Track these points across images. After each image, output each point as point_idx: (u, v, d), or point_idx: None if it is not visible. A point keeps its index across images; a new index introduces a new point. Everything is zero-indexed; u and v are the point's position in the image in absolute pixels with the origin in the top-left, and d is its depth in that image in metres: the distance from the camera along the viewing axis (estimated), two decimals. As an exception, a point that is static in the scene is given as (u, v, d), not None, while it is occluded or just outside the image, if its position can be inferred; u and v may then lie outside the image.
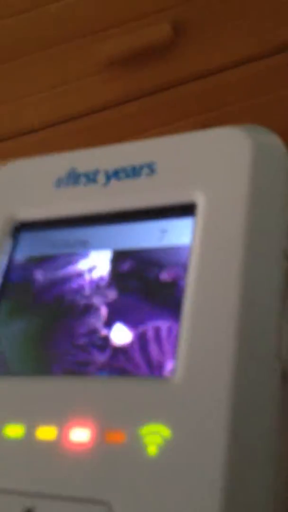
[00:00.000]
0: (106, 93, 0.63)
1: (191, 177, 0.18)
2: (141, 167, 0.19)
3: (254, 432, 0.14)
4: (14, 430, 0.15)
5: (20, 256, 0.20)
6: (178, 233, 0.18)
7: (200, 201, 0.18)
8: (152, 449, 0.14)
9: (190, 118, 0.79)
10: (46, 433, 0.15)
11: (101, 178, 0.20)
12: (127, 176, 0.19)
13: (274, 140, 0.18)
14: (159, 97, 0.75)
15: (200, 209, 0.17)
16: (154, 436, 0.14)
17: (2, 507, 0.14)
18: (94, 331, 0.17)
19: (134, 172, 0.19)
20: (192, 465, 0.13)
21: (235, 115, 0.79)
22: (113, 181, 0.19)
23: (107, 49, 0.62)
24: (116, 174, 0.20)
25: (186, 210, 0.18)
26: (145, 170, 0.19)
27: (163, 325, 0.16)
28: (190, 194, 0.18)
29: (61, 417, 0.15)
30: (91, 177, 0.20)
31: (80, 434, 0.15)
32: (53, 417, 0.15)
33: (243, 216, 0.16)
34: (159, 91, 0.73)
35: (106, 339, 0.17)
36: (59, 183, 0.20)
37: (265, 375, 0.14)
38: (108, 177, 0.20)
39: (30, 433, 0.15)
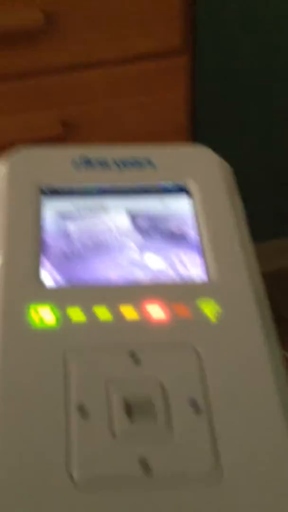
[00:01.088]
0: None
1: (182, 172, 0.29)
2: (143, 161, 0.29)
3: (267, 306, 0.24)
4: (103, 314, 0.24)
5: (51, 215, 0.28)
6: (176, 205, 0.28)
7: (192, 185, 0.29)
8: (212, 318, 0.24)
9: (48, 111, 0.87)
10: (130, 314, 0.23)
11: (111, 164, 0.29)
12: (133, 165, 0.29)
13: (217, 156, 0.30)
14: (19, 83, 0.82)
15: (193, 191, 0.28)
16: (211, 310, 0.24)
17: (109, 355, 0.22)
18: (133, 260, 0.26)
19: (138, 163, 0.29)
20: (242, 330, 0.23)
21: (90, 114, 0.88)
22: (122, 167, 0.29)
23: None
24: (124, 163, 0.29)
25: (181, 190, 0.29)
26: (146, 164, 0.29)
27: (184, 256, 0.26)
28: (184, 181, 0.29)
29: (140, 304, 0.24)
30: (102, 163, 0.29)
31: (157, 313, 0.24)
32: (134, 304, 0.24)
33: (225, 195, 0.28)
34: (20, 77, 0.79)
35: (144, 264, 0.26)
36: (75, 165, 0.29)
37: (261, 280, 0.25)
38: (117, 164, 0.29)
39: (117, 315, 0.23)
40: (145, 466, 0.20)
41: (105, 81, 0.86)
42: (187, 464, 0.21)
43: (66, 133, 0.84)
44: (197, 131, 0.87)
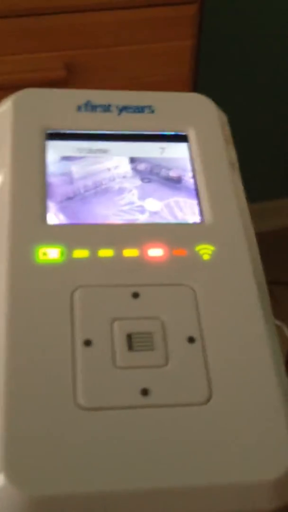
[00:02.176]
0: None
1: (181, 119, 0.30)
2: (143, 107, 0.30)
3: (256, 246, 0.26)
4: (105, 252, 0.25)
5: (55, 156, 0.29)
6: (174, 151, 0.30)
7: (190, 133, 0.30)
8: (206, 257, 0.25)
9: (53, 52, 0.87)
10: (130, 252, 0.25)
11: (114, 109, 0.30)
12: (134, 111, 0.30)
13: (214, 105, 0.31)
14: (25, 23, 0.81)
15: (191, 138, 0.29)
16: (205, 250, 0.25)
17: (114, 295, 0.24)
18: (132, 202, 0.28)
19: (139, 109, 0.30)
20: (233, 267, 0.25)
21: (94, 58, 0.87)
22: (124, 113, 0.30)
23: None
24: (125, 108, 0.30)
25: (180, 137, 0.30)
26: (147, 109, 0.30)
27: (180, 199, 0.28)
28: (182, 129, 0.30)
29: (139, 243, 0.25)
30: (106, 108, 0.30)
31: (155, 251, 0.25)
32: (133, 243, 0.25)
33: (221, 143, 0.29)
34: (26, 17, 0.79)
35: (142, 207, 0.28)
36: (80, 108, 0.30)
37: (251, 222, 0.27)
38: (119, 110, 0.30)
39: (118, 253, 0.25)
40: (144, 391, 0.22)
41: (112, 25, 0.85)
42: (182, 389, 0.23)
43: (69, 76, 0.84)
44: (199, 84, 0.87)
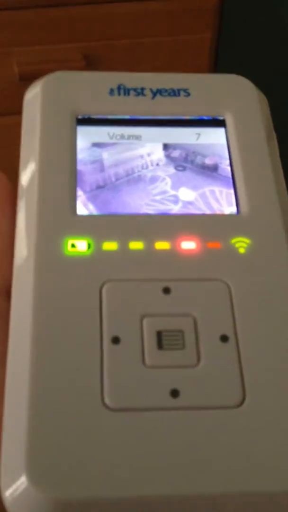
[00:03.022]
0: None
1: (219, 103, 0.29)
2: (179, 90, 0.29)
3: None
4: (135, 244, 0.24)
5: (85, 143, 0.28)
6: (210, 136, 0.28)
7: (228, 117, 0.28)
8: (242, 251, 0.24)
9: (71, 43, 0.86)
10: (162, 245, 0.24)
11: (148, 93, 0.29)
12: (169, 94, 0.29)
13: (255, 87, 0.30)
14: (43, 14, 0.80)
15: (229, 123, 0.28)
16: (241, 243, 0.24)
17: (144, 291, 0.23)
18: (165, 192, 0.27)
19: (174, 92, 0.29)
20: (271, 262, 0.24)
21: (112, 49, 0.86)
22: (158, 96, 0.29)
23: None
24: (159, 91, 0.29)
25: (217, 122, 0.28)
26: (182, 93, 0.29)
27: (216, 189, 0.27)
28: (220, 113, 0.29)
29: (171, 235, 0.24)
30: (139, 92, 0.29)
31: (188, 244, 0.24)
32: (165, 235, 0.24)
33: (261, 128, 0.28)
34: (44, 7, 0.78)
35: (176, 196, 0.27)
36: (112, 92, 0.29)
37: None
38: (153, 93, 0.29)
39: (149, 246, 0.24)
40: (173, 392, 0.21)
41: (131, 17, 0.85)
42: (213, 391, 0.22)
43: (88, 67, 0.83)
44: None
